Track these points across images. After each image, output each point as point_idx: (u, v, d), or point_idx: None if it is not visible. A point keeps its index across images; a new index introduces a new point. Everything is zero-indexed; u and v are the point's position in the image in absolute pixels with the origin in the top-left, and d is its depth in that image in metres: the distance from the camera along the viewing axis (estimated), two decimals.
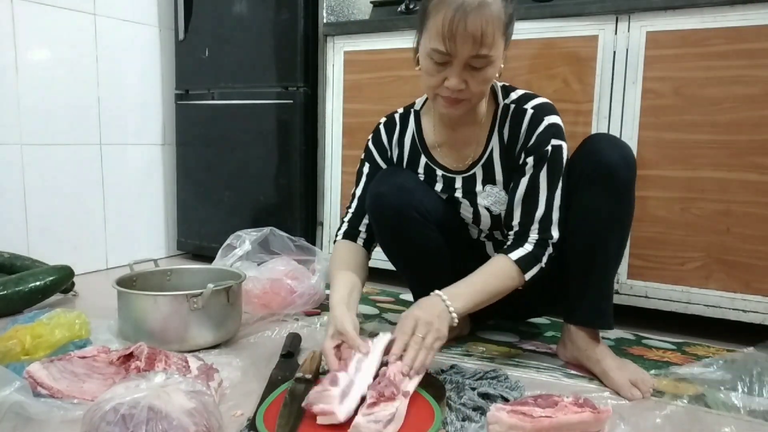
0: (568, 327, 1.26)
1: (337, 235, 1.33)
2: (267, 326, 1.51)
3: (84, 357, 1.10)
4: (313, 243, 2.02)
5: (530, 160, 1.17)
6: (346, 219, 1.33)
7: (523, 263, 1.14)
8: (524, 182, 1.17)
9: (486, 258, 1.20)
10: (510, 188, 1.21)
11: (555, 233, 1.16)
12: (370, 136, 1.35)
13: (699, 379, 1.20)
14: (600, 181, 1.14)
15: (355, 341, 1.04)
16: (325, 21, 1.99)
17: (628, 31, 1.52)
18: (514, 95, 1.22)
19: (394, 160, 1.33)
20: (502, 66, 1.14)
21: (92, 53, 2.06)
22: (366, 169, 1.34)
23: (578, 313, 1.23)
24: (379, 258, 1.95)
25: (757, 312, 1.43)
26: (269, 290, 1.56)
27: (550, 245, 1.16)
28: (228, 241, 1.74)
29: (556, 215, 1.16)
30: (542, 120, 1.16)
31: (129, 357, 1.10)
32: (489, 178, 1.24)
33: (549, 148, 1.15)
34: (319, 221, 2.08)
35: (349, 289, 1.15)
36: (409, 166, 1.31)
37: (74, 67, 2.01)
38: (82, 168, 2.07)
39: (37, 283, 1.61)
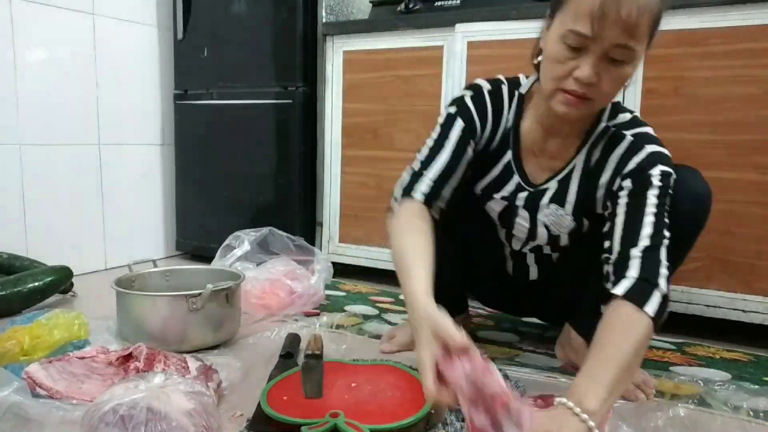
0: (569, 330, 1.25)
1: (411, 191, 1.08)
2: (266, 327, 1.50)
3: (83, 358, 1.09)
4: (312, 243, 2.01)
5: (627, 183, 1.02)
6: (429, 176, 1.08)
7: (635, 294, 0.93)
8: (624, 208, 1.02)
9: (521, 268, 1.16)
10: (606, 215, 1.06)
11: (663, 275, 0.96)
12: (467, 93, 1.13)
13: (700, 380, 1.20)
14: (684, 210, 1.04)
15: (463, 343, 0.78)
16: (324, 20, 1.99)
17: None
18: (620, 118, 1.09)
19: (484, 136, 1.13)
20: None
21: (91, 53, 2.06)
22: (458, 127, 1.10)
23: (586, 324, 1.14)
24: (379, 258, 1.96)
25: (757, 312, 1.43)
26: (268, 291, 1.56)
27: (661, 284, 0.95)
28: (227, 242, 1.74)
29: (664, 256, 0.97)
30: (643, 147, 1.03)
31: (128, 358, 1.09)
32: (559, 197, 1.12)
33: (656, 172, 1.01)
34: (319, 221, 2.08)
35: (429, 275, 0.96)
36: (494, 154, 1.15)
37: (73, 66, 2.01)
38: (80, 168, 2.06)
39: (36, 284, 1.60)
